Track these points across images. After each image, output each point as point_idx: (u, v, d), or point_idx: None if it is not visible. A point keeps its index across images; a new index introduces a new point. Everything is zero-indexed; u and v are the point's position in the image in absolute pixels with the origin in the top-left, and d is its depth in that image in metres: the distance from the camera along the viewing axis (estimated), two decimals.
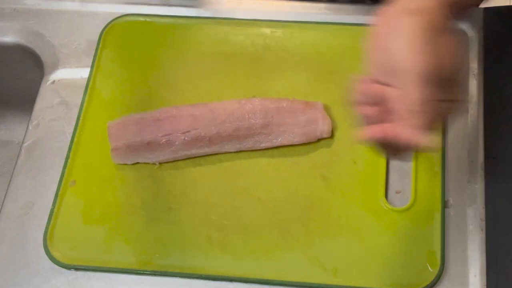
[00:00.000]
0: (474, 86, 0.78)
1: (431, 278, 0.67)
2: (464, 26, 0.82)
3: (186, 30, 0.85)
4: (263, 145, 0.75)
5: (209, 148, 0.75)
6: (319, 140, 0.75)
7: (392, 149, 0.58)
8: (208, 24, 0.85)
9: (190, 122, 0.74)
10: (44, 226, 0.73)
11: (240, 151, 0.76)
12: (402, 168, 0.74)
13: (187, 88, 0.81)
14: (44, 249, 0.72)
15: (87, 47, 0.86)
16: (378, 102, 0.57)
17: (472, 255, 0.69)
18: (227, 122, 0.74)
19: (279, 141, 0.75)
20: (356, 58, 0.76)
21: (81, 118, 0.79)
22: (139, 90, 0.81)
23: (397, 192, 0.73)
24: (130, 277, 0.70)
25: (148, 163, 0.76)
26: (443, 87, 0.55)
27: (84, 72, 0.83)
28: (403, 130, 0.55)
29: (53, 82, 0.84)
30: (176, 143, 0.74)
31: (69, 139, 0.78)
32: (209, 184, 0.74)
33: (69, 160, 0.77)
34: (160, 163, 0.76)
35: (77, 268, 0.71)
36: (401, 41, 0.55)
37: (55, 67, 0.85)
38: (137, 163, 0.76)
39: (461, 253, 0.69)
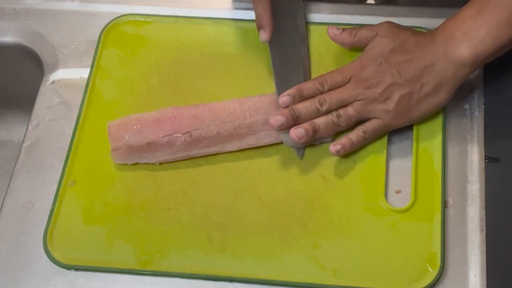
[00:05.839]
0: (474, 86, 0.78)
1: (431, 278, 0.67)
2: None
3: (186, 30, 0.85)
4: (266, 140, 0.75)
5: (209, 148, 0.75)
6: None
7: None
8: (208, 24, 0.85)
9: (190, 123, 0.74)
10: (44, 226, 0.73)
11: (240, 151, 0.75)
12: (402, 168, 0.74)
13: (187, 88, 0.81)
14: (44, 249, 0.72)
15: (87, 47, 0.86)
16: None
17: (472, 255, 0.69)
18: (228, 122, 0.74)
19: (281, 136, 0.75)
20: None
21: (81, 118, 0.79)
22: (139, 90, 0.81)
23: (397, 192, 0.73)
24: (130, 277, 0.70)
25: (148, 163, 0.76)
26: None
27: (84, 72, 0.83)
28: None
29: (53, 82, 0.84)
30: (177, 143, 0.74)
31: (69, 139, 0.78)
32: (209, 184, 0.74)
33: (69, 160, 0.77)
34: (160, 163, 0.76)
35: (77, 268, 0.71)
36: None
37: (55, 67, 0.85)
38: (137, 163, 0.76)
39: (461, 253, 0.69)
